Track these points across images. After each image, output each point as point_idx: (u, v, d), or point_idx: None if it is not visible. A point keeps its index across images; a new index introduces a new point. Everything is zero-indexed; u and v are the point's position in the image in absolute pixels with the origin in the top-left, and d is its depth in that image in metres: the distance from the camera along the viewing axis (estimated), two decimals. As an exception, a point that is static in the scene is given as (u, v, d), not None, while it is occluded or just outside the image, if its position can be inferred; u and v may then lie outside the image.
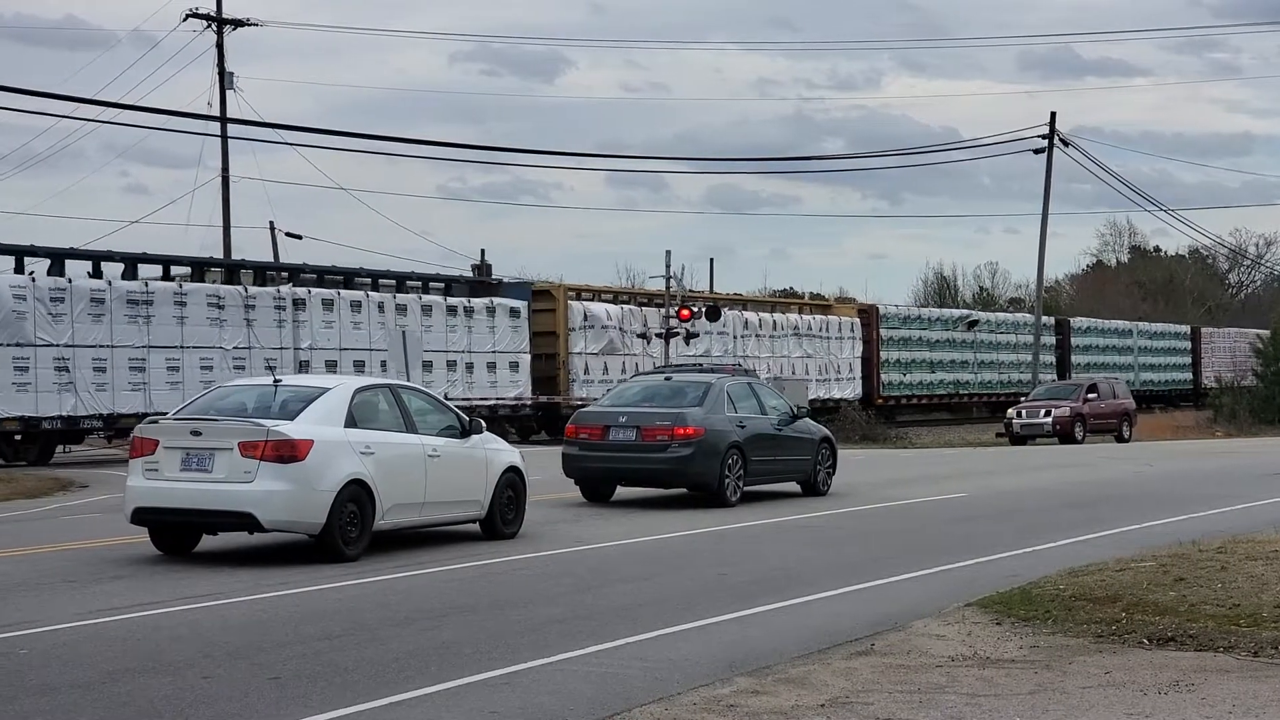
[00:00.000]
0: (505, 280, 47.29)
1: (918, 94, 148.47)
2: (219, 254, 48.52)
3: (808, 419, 25.67)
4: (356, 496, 16.18)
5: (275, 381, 17.09)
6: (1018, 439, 47.51)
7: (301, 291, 39.18)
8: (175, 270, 38.69)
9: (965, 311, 70.64)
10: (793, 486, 24.88)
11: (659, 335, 45.85)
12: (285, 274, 41.45)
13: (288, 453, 15.65)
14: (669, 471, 22.75)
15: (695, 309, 45.79)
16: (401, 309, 41.36)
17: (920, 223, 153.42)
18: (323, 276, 41.77)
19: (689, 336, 45.95)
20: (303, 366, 37.18)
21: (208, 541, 16.94)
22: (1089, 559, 15.51)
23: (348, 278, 42.39)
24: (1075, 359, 71.09)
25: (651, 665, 10.59)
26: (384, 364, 38.85)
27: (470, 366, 43.07)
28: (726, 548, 17.67)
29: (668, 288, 46.78)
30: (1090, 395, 49.16)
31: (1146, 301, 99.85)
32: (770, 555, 16.97)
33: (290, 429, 15.81)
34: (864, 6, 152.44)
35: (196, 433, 15.94)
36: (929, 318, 64.22)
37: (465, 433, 18.14)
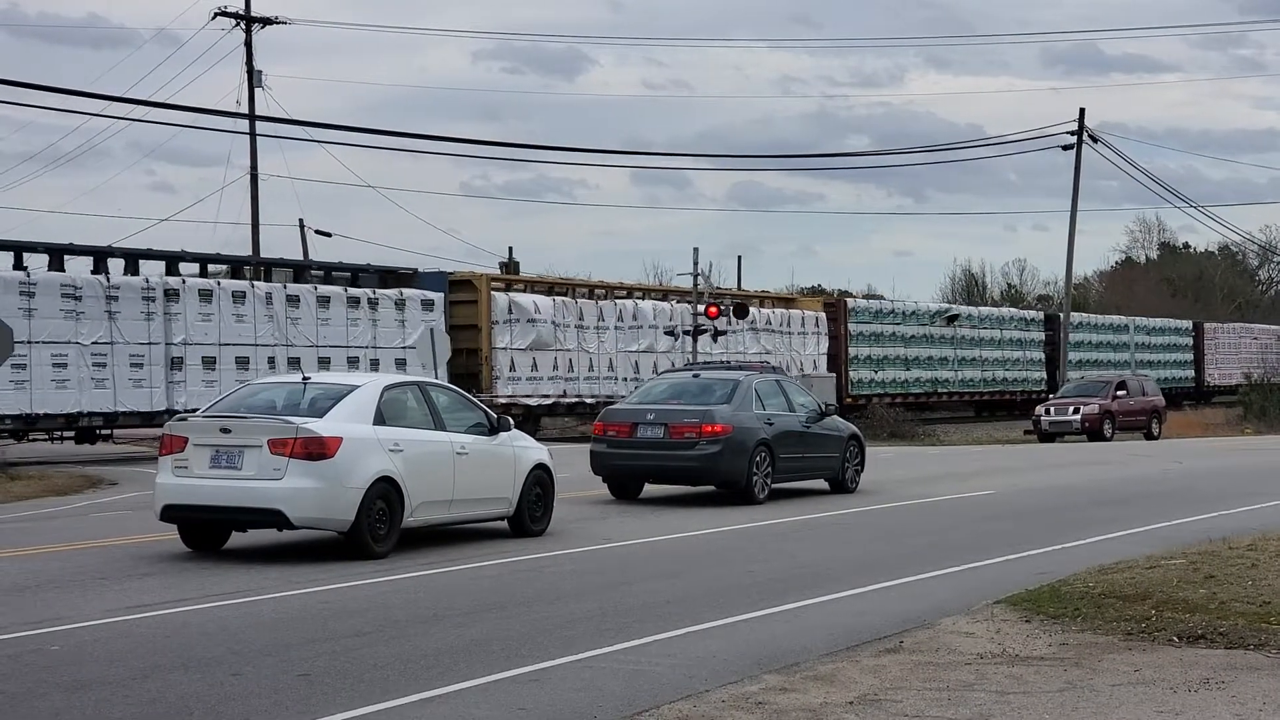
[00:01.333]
0: (421, 270, 43.43)
1: (941, 91, 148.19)
2: (248, 252, 48.68)
3: (836, 416, 25.65)
4: (385, 494, 16.21)
5: (304, 379, 17.18)
6: (1046, 436, 47.46)
7: (174, 281, 35.67)
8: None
9: (944, 305, 67.07)
10: (820, 484, 24.86)
11: (687, 332, 45.55)
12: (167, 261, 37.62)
13: (317, 450, 15.69)
14: (697, 469, 22.74)
15: (631, 298, 43.53)
16: (293, 300, 37.65)
17: (947, 220, 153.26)
18: (205, 266, 38.59)
19: (715, 333, 45.86)
20: (175, 364, 34.70)
21: (237, 539, 17.00)
22: (1118, 556, 15.48)
23: (234, 267, 39.08)
24: (1067, 355, 67.21)
25: (680, 662, 10.59)
26: (271, 360, 36.29)
27: (375, 364, 38.93)
28: (754, 545, 17.66)
29: (695, 285, 46.72)
30: (1119, 392, 49.06)
31: (1176, 298, 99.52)
32: (798, 553, 16.96)
33: (319, 426, 15.86)
34: (885, 3, 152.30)
35: (226, 430, 15.99)
36: (904, 311, 60.34)
37: (493, 430, 18.17)
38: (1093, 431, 47.29)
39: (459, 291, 42.85)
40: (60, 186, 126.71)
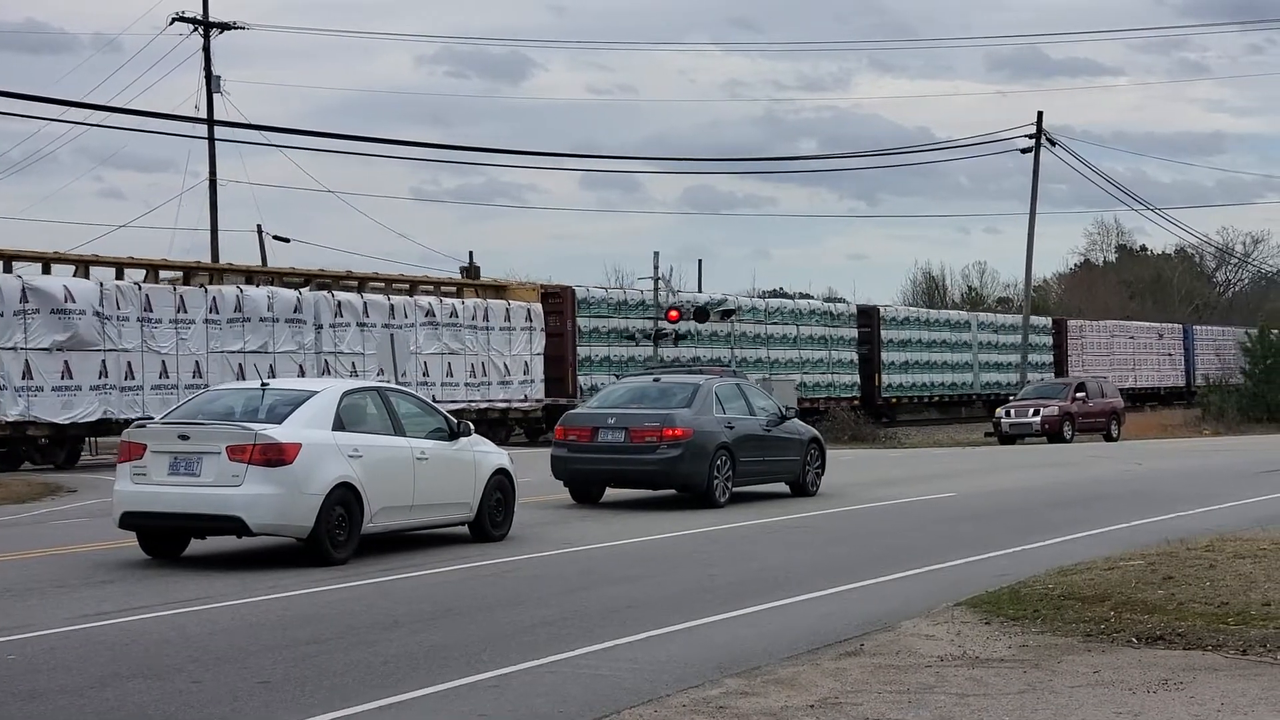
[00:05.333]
0: None
1: (888, 94, 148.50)
2: (207, 258, 48.39)
3: (796, 420, 25.70)
4: (345, 499, 16.16)
5: (263, 385, 17.13)
6: (1006, 438, 47.70)
7: None
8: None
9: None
10: (781, 487, 24.89)
11: (648, 337, 45.26)
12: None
13: (275, 456, 15.64)
14: (658, 472, 22.75)
15: (306, 287, 37.70)
16: None
17: (900, 223, 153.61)
18: None
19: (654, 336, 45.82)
20: None
21: (196, 545, 16.91)
22: (1077, 558, 15.54)
23: None
24: (888, 356, 59.85)
25: (641, 666, 10.59)
26: None
27: None
28: (715, 549, 17.67)
29: (656, 288, 46.67)
30: (1079, 394, 49.50)
31: (1134, 300, 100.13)
32: (759, 556, 16.97)
33: (278, 432, 15.80)
34: (828, 7, 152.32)
35: (184, 436, 15.92)
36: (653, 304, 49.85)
37: (453, 435, 18.13)
38: (1053, 433, 47.59)
39: None
40: (11, 194, 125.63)
